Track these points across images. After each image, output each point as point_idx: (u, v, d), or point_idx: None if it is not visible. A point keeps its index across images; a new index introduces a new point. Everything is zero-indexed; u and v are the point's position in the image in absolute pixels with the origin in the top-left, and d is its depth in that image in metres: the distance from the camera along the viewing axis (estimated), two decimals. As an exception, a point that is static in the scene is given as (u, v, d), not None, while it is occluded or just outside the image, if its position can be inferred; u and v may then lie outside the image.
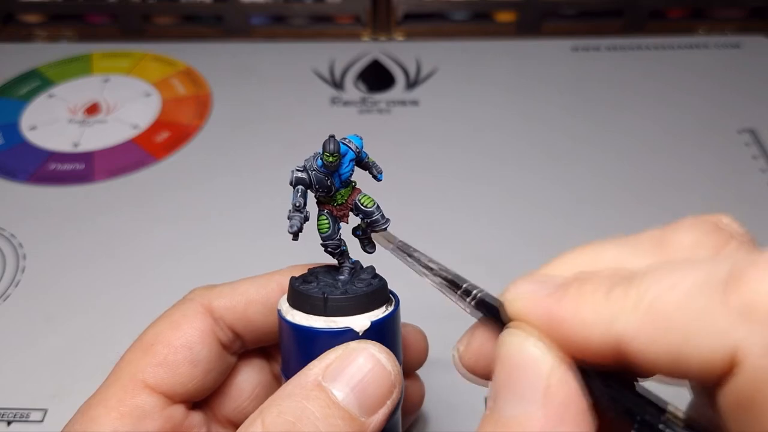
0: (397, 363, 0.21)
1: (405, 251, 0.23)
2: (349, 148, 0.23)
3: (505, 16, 0.64)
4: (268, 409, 0.20)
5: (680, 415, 0.15)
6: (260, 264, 0.41)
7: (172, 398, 0.24)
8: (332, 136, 0.22)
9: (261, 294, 0.26)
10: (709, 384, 0.15)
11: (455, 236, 0.44)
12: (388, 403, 0.21)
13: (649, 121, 0.53)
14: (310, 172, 0.23)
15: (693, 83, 0.57)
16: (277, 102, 0.56)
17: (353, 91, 0.57)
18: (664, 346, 0.15)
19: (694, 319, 0.15)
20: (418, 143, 0.52)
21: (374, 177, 0.24)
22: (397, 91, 0.57)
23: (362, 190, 0.24)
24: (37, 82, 0.59)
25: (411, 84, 0.58)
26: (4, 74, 0.59)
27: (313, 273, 0.24)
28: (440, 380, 0.33)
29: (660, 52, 0.61)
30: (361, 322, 0.22)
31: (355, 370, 0.21)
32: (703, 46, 0.61)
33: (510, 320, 0.18)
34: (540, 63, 0.60)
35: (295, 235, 0.23)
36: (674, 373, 0.15)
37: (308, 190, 0.23)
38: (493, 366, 0.18)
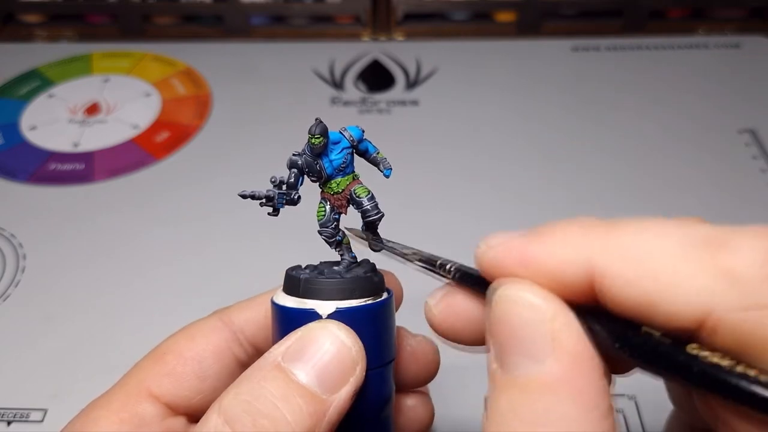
0: (358, 341, 0.21)
1: (379, 242, 0.24)
2: (344, 136, 0.24)
3: (505, 16, 0.64)
4: (225, 394, 0.20)
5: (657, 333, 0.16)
6: (261, 264, 0.42)
7: (175, 410, 0.24)
8: (318, 119, 0.23)
9: None
10: (672, 333, 0.15)
11: (455, 236, 0.44)
12: (352, 380, 0.21)
13: (649, 121, 0.53)
14: (302, 156, 0.23)
15: (693, 83, 0.57)
16: (277, 102, 0.56)
17: (353, 91, 0.57)
18: (639, 290, 0.15)
19: (675, 271, 0.15)
20: (418, 143, 0.52)
21: (382, 173, 0.25)
22: (397, 91, 0.57)
23: (362, 183, 0.24)
24: (37, 82, 0.59)
25: (411, 84, 0.58)
26: (4, 74, 0.59)
27: (318, 264, 0.25)
28: (449, 389, 0.33)
29: (660, 52, 0.61)
30: (327, 306, 0.22)
31: (315, 349, 0.20)
32: (703, 46, 0.61)
33: (492, 276, 0.18)
34: (540, 63, 0.60)
35: (273, 210, 0.24)
36: (642, 317, 0.15)
37: (303, 175, 0.24)
38: (490, 326, 0.17)
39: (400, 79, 0.58)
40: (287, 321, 0.22)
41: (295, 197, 0.24)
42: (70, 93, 0.57)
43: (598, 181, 0.48)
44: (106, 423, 0.23)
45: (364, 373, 0.21)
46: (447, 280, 0.21)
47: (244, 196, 0.23)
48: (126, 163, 0.50)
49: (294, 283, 0.23)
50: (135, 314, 0.40)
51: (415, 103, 0.56)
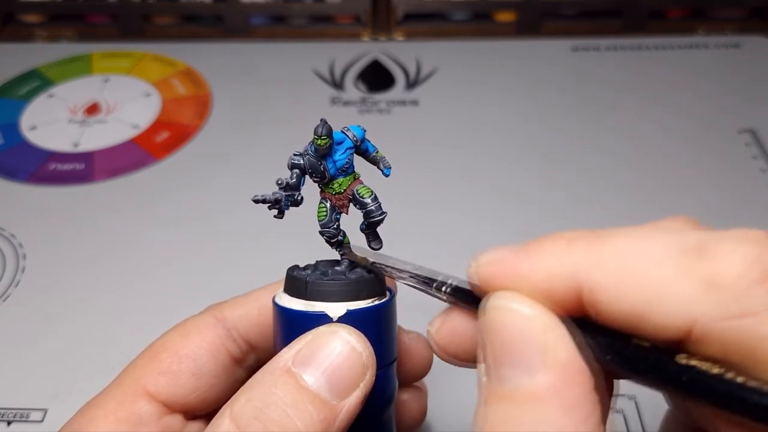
0: (369, 345, 0.21)
1: (382, 263, 0.23)
2: (347, 136, 0.23)
3: (505, 16, 0.64)
4: (237, 398, 0.20)
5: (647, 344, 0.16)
6: (261, 264, 0.42)
7: (172, 408, 0.24)
8: (323, 120, 0.22)
9: None
10: (661, 344, 0.15)
11: (456, 236, 0.44)
12: (362, 385, 0.21)
13: (649, 121, 0.53)
14: (304, 157, 0.23)
15: (693, 83, 0.57)
16: (277, 102, 0.56)
17: (353, 91, 0.57)
18: (627, 301, 0.15)
19: (660, 282, 0.15)
20: (418, 143, 0.52)
21: (381, 171, 0.25)
22: (397, 91, 0.57)
23: (363, 182, 0.24)
24: (37, 82, 0.59)
25: (411, 84, 0.58)
26: (4, 74, 0.59)
27: (317, 264, 0.25)
28: (442, 386, 0.33)
29: (660, 52, 0.61)
30: (337, 308, 0.22)
31: (326, 354, 0.20)
32: (703, 46, 0.61)
33: (485, 292, 0.18)
34: (540, 63, 0.60)
35: (279, 212, 0.23)
36: (630, 328, 0.16)
37: (305, 176, 0.23)
38: (482, 338, 0.17)
39: (400, 79, 0.58)
40: (295, 324, 0.22)
41: (299, 198, 0.24)
42: (70, 93, 0.57)
43: (598, 181, 0.48)
44: (103, 423, 0.23)
45: (374, 378, 0.21)
46: (443, 301, 0.21)
47: (257, 201, 0.23)
48: (126, 163, 0.50)
49: (299, 284, 0.22)
50: (135, 314, 0.40)
51: (415, 103, 0.56)
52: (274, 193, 0.23)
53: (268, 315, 0.25)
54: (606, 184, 0.48)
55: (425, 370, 0.28)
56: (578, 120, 0.54)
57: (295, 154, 0.23)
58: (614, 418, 0.34)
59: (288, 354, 0.21)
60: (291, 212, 0.24)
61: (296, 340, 0.21)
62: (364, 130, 0.24)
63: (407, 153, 0.50)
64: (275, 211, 0.24)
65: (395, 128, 0.53)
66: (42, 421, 0.34)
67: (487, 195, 0.47)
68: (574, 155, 0.50)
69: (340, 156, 0.23)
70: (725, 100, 0.55)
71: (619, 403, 0.34)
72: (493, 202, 0.47)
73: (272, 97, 0.57)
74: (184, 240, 0.44)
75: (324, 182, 0.24)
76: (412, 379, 0.28)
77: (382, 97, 0.56)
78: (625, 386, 0.37)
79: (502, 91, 0.57)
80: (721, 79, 0.58)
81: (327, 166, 0.23)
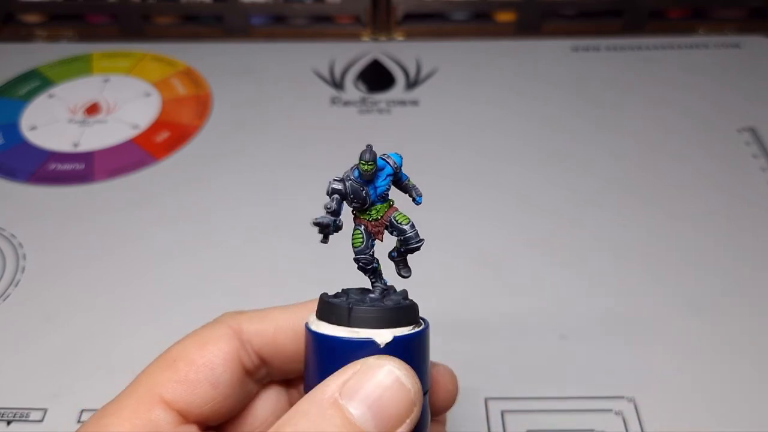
0: (417, 380, 0.21)
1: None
2: (387, 163, 0.23)
3: (505, 16, 0.64)
4: (283, 428, 0.20)
5: None
6: (260, 264, 0.42)
7: (187, 417, 0.24)
8: (369, 146, 0.22)
9: (291, 321, 0.25)
10: None
11: (456, 237, 0.44)
12: (408, 421, 0.20)
13: (649, 121, 0.53)
14: (346, 182, 0.23)
15: (693, 83, 0.57)
16: (277, 102, 0.56)
17: (353, 91, 0.57)
18: None
19: None
20: (418, 143, 0.52)
21: (413, 199, 0.24)
22: (397, 91, 0.57)
23: (398, 209, 0.24)
24: (37, 82, 0.59)
25: (411, 84, 0.58)
26: (4, 74, 0.59)
27: (346, 291, 0.24)
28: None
29: (660, 52, 0.61)
30: (383, 335, 0.22)
31: (374, 387, 0.20)
32: (703, 46, 0.61)
33: None
34: (540, 63, 0.60)
35: (325, 237, 0.23)
36: None
37: (344, 202, 0.23)
38: None
39: (400, 79, 0.58)
40: (338, 352, 0.22)
41: (340, 224, 0.23)
42: (70, 93, 0.57)
43: (598, 180, 0.48)
44: (118, 430, 0.22)
45: (420, 414, 0.21)
46: None
47: (318, 224, 0.23)
48: (126, 163, 0.50)
49: (340, 311, 0.22)
50: (135, 314, 0.40)
51: (415, 103, 0.56)
52: (323, 217, 0.23)
53: (284, 336, 0.25)
54: (606, 184, 0.48)
55: (449, 403, 0.27)
56: (578, 120, 0.54)
57: (335, 180, 0.23)
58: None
59: (335, 384, 0.20)
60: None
61: (342, 369, 0.21)
62: (401, 157, 0.24)
63: (407, 153, 0.50)
64: (321, 236, 0.23)
65: (395, 128, 0.53)
66: (42, 420, 0.34)
67: (486, 195, 0.47)
68: (573, 155, 0.50)
69: (381, 182, 0.23)
70: (725, 100, 0.55)
71: (617, 404, 0.34)
72: (493, 202, 0.47)
73: (272, 97, 0.57)
74: (184, 240, 0.44)
75: (363, 208, 0.23)
76: (436, 413, 0.27)
77: (382, 97, 0.56)
78: (624, 388, 0.37)
79: (502, 91, 0.57)
80: (721, 79, 0.58)
81: (369, 192, 0.23)
